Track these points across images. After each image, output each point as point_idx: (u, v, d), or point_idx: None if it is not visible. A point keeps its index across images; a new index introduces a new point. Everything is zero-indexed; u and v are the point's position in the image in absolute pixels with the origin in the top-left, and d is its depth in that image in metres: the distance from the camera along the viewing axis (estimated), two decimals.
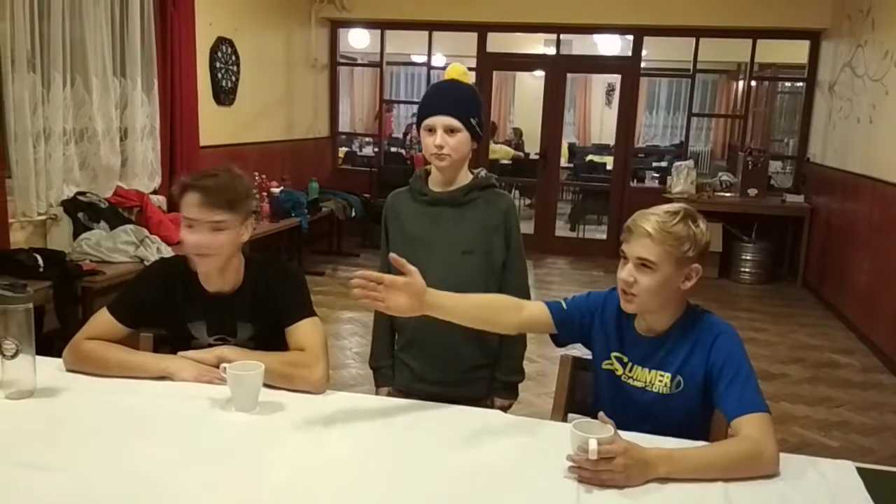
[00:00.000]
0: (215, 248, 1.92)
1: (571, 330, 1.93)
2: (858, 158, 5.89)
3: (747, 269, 7.20)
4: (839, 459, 1.69)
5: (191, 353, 1.98)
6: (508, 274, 2.18)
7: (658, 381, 1.80)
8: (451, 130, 2.05)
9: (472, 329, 1.93)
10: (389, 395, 2.26)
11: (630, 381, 1.85)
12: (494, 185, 2.20)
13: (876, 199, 5.46)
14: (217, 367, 1.90)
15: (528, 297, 2.18)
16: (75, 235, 4.17)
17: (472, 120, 2.07)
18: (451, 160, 2.07)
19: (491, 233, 2.14)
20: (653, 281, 1.71)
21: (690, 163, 7.53)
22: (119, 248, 4.10)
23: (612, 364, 1.89)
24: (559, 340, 1.97)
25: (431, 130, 2.07)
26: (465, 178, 2.15)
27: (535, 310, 1.93)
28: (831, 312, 6.14)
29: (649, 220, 1.72)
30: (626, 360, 1.86)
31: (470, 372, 2.19)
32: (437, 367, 2.18)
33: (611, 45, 8.46)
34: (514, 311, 1.91)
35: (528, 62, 9.15)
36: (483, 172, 2.22)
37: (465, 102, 2.09)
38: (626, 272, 1.74)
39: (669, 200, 6.62)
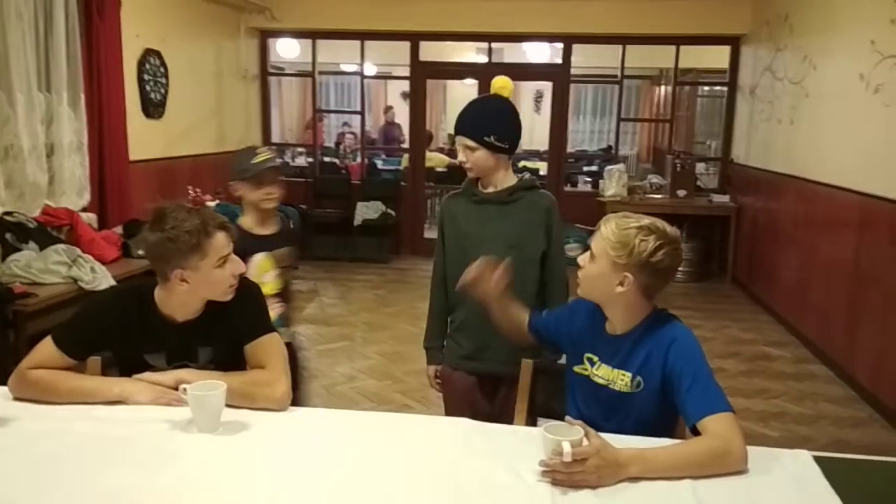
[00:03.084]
0: None
1: (546, 337, 2.10)
2: (781, 158, 6.15)
3: (679, 268, 7.39)
4: (796, 449, 1.75)
5: (147, 374, 1.93)
6: (550, 263, 2.42)
7: (619, 379, 1.85)
8: (468, 148, 2.33)
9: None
10: (437, 373, 2.54)
11: (596, 378, 1.91)
12: (537, 187, 2.45)
13: (799, 196, 5.71)
14: (175, 388, 1.85)
15: (566, 282, 2.44)
16: (3, 257, 3.98)
17: (486, 138, 2.31)
18: (476, 172, 2.37)
19: (534, 229, 2.39)
20: (589, 270, 1.85)
21: (622, 166, 7.71)
22: (51, 269, 3.94)
23: (584, 366, 1.94)
24: (539, 340, 2.13)
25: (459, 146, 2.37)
26: (509, 180, 2.41)
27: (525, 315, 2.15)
28: (761, 307, 6.37)
29: (613, 219, 1.83)
30: (595, 359, 1.92)
31: (515, 353, 2.28)
32: (485, 346, 2.40)
33: (540, 52, 8.60)
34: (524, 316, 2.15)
35: (460, 70, 9.21)
36: (527, 175, 2.51)
37: (482, 122, 2.35)
38: (580, 257, 1.88)
39: (603, 204, 6.82)
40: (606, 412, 1.88)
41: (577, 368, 1.96)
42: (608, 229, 1.80)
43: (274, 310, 2.55)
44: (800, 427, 3.99)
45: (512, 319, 2.16)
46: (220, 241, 1.90)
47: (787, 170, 5.96)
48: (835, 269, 4.93)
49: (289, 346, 2.57)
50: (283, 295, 2.67)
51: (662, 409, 1.82)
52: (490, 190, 2.42)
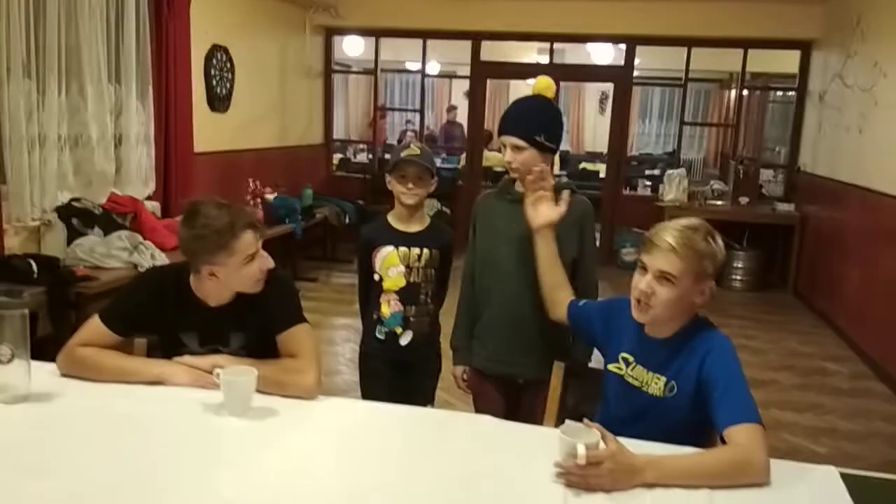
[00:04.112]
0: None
1: (581, 327, 2.10)
2: (848, 168, 5.94)
3: (738, 277, 7.25)
4: (824, 465, 1.71)
5: (185, 358, 2.01)
6: (581, 271, 2.36)
7: (654, 383, 1.85)
8: (517, 148, 2.27)
9: (540, 312, 2.24)
10: (465, 373, 2.53)
11: (629, 378, 1.90)
12: (573, 190, 2.36)
13: (865, 208, 5.51)
14: (210, 372, 1.93)
15: (596, 293, 2.39)
16: (69, 241, 4.18)
17: (537, 137, 2.27)
18: (522, 173, 2.29)
19: (567, 231, 2.29)
20: (671, 294, 1.76)
21: (682, 171, 7.56)
22: (112, 254, 4.12)
23: (618, 365, 1.94)
24: (574, 333, 2.18)
25: (505, 146, 2.32)
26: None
27: (565, 297, 2.15)
28: (822, 320, 6.18)
29: (673, 234, 1.76)
30: (631, 359, 1.92)
31: (541, 356, 2.31)
32: (509, 348, 2.39)
33: (604, 53, 8.51)
34: (567, 293, 2.16)
35: (521, 70, 9.18)
36: (564, 178, 2.36)
37: (532, 121, 2.30)
38: (644, 283, 1.79)
39: (662, 209, 6.70)
40: (637, 415, 1.87)
41: (611, 367, 1.96)
42: (682, 245, 1.73)
43: (390, 306, 2.57)
44: (850, 445, 3.86)
45: (552, 281, 2.16)
46: (248, 240, 1.97)
47: (853, 180, 5.76)
48: None
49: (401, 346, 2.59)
50: (403, 294, 2.57)
51: (693, 419, 1.80)
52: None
